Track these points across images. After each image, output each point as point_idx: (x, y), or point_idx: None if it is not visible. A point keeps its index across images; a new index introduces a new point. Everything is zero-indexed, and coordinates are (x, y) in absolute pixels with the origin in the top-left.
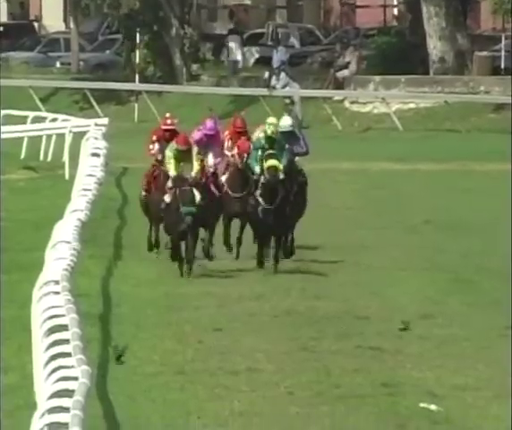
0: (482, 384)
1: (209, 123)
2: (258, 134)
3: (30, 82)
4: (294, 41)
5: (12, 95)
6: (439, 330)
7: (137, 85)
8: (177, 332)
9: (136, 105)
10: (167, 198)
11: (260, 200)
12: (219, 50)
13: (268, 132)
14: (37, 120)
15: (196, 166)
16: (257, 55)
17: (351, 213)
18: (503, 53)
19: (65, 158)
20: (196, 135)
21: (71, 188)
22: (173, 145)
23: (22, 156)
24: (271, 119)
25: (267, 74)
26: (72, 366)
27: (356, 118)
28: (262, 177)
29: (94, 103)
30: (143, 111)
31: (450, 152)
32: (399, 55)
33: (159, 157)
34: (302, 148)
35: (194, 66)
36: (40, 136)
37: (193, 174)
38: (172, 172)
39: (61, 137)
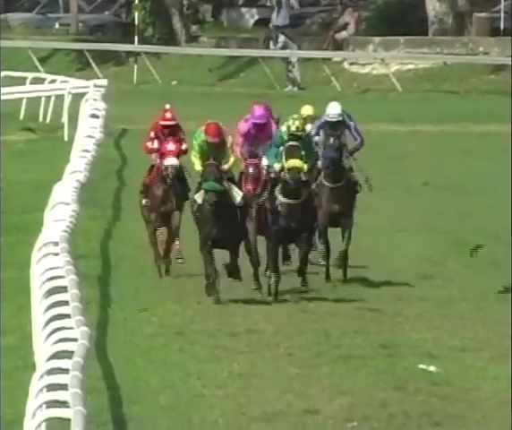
0: (480, 345)
1: (258, 109)
2: (281, 129)
3: (29, 44)
4: (294, 2)
5: (11, 56)
6: (438, 291)
7: (136, 46)
8: (177, 294)
9: (135, 66)
10: (199, 197)
11: (280, 197)
12: (219, 11)
13: (293, 128)
14: (36, 81)
15: (232, 158)
16: (256, 17)
17: None
18: (502, 14)
19: (64, 119)
20: (242, 127)
21: (70, 149)
22: (200, 134)
23: (21, 117)
24: (305, 109)
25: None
26: (72, 328)
27: (355, 79)
28: (283, 179)
29: (93, 64)
30: (142, 72)
31: (449, 114)
32: (398, 17)
33: (157, 157)
34: (356, 139)
35: (193, 27)
36: (39, 97)
37: (226, 166)
38: (197, 165)
39: (60, 98)
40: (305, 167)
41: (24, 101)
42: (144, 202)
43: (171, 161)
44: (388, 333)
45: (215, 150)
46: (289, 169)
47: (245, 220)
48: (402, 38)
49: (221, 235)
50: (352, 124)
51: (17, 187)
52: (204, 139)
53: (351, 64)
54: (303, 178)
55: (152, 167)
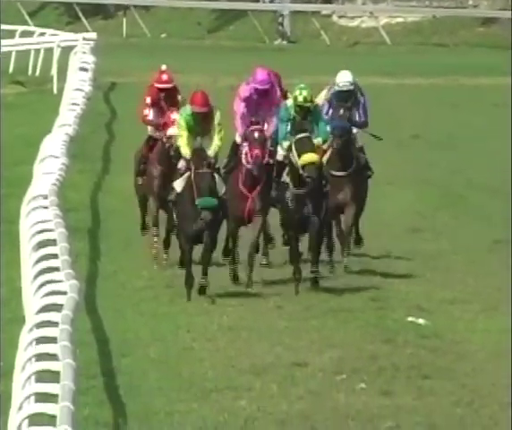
0: (470, 298)
1: (260, 73)
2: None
3: None
4: None
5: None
6: (428, 244)
7: None
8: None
9: (124, 19)
10: (178, 186)
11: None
12: None
13: (300, 99)
14: (25, 35)
15: (217, 141)
16: None
17: None
18: None
19: (54, 72)
20: (244, 91)
21: (59, 103)
22: (186, 108)
23: (11, 70)
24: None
25: None
26: (61, 281)
27: (344, 33)
28: (291, 166)
29: (82, 18)
30: (131, 26)
31: (439, 67)
32: None
33: (154, 130)
34: (361, 117)
35: None
36: (28, 51)
37: (211, 152)
38: (185, 150)
39: (49, 52)
40: (319, 159)
41: (13, 54)
42: (140, 181)
43: (174, 130)
44: (377, 287)
45: (202, 122)
46: (304, 166)
47: (225, 212)
48: None
49: (201, 231)
50: (362, 99)
51: (7, 140)
52: (190, 112)
53: (340, 17)
54: (318, 173)
55: (149, 138)
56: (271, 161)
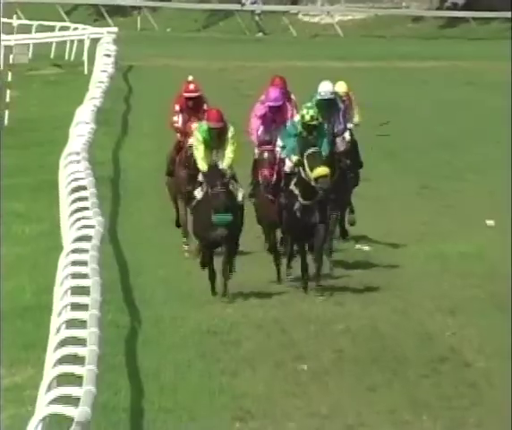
0: (402, 230)
1: (273, 92)
2: (294, 118)
3: (57, 0)
4: None
5: (43, 10)
6: (372, 190)
7: (139, 2)
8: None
9: (138, 17)
10: (198, 194)
11: (299, 195)
12: None
13: (307, 117)
14: (62, 29)
15: (229, 154)
16: None
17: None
18: None
19: (84, 57)
20: (259, 110)
21: (88, 81)
22: (202, 124)
23: (52, 56)
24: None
25: None
26: (90, 217)
27: (307, 27)
28: (302, 174)
29: (106, 16)
30: (144, 22)
31: (380, 53)
32: None
33: (181, 136)
34: (341, 124)
35: None
36: (65, 41)
37: (225, 164)
38: (201, 164)
39: (81, 42)
40: (329, 171)
41: (54, 44)
42: (170, 180)
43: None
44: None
45: (217, 137)
46: (316, 179)
47: (243, 217)
48: None
49: (221, 237)
50: (342, 107)
51: (49, 109)
52: (206, 127)
53: (304, 15)
54: (329, 184)
55: (178, 143)
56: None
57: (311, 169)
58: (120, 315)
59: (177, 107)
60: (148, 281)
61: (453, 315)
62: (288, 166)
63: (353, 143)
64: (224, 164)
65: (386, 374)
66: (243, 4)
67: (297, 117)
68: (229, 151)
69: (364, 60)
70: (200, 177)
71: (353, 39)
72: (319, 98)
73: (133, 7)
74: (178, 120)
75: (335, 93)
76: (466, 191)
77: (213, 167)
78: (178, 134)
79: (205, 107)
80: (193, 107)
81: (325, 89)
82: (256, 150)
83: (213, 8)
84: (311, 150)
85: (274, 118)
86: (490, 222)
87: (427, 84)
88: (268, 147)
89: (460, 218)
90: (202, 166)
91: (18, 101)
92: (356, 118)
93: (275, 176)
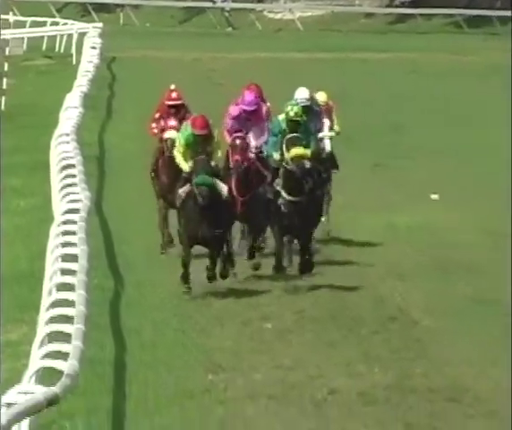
0: (358, 204)
1: (248, 95)
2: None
3: None
4: None
5: (36, 7)
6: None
7: (121, 0)
8: None
9: (121, 14)
10: (182, 192)
11: (282, 192)
12: None
13: (291, 114)
14: (53, 24)
15: (219, 155)
16: None
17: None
18: None
19: (73, 50)
20: (233, 111)
21: (77, 70)
22: (186, 128)
23: (44, 48)
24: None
25: None
26: (78, 193)
27: (271, 23)
28: (284, 167)
29: (92, 13)
30: (126, 18)
31: (336, 46)
32: None
33: (159, 141)
34: (316, 126)
35: None
36: (56, 35)
37: (213, 163)
38: (183, 165)
39: (70, 36)
40: (308, 152)
41: (45, 38)
42: (153, 183)
43: (170, 134)
44: None
45: (202, 143)
46: (292, 158)
47: (230, 215)
48: None
49: (206, 234)
50: (318, 110)
51: (41, 96)
52: (191, 132)
53: (269, 12)
54: (307, 165)
55: (159, 148)
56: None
57: (288, 150)
58: (105, 280)
59: (157, 115)
60: (130, 250)
61: (402, 280)
62: (274, 161)
63: (331, 153)
64: (212, 161)
65: (342, 331)
66: (214, 2)
67: (281, 116)
68: (218, 152)
69: (322, 52)
70: (184, 174)
71: (312, 33)
72: (294, 104)
73: (117, 5)
74: (157, 126)
75: (311, 99)
76: (413, 168)
77: (198, 159)
78: (158, 139)
79: (187, 115)
80: (175, 115)
81: (301, 95)
82: (228, 139)
83: (188, 5)
84: (290, 135)
85: (248, 119)
86: (434, 196)
87: (378, 73)
88: (240, 133)
89: (408, 192)
90: (184, 166)
91: (14, 89)
92: (336, 127)
93: (246, 162)
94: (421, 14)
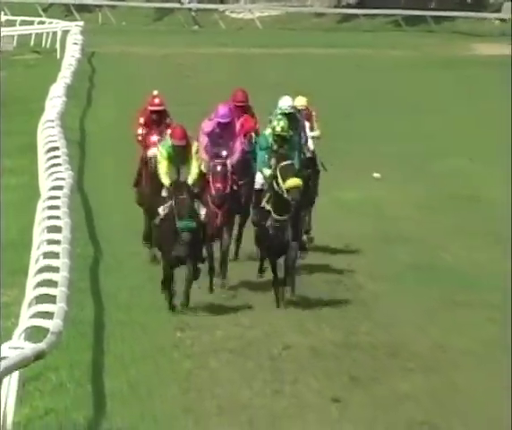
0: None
1: (222, 109)
2: (265, 131)
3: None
4: None
5: (23, 7)
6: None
7: (100, 1)
8: (131, 151)
9: (100, 14)
10: (162, 210)
11: (272, 212)
12: None
13: (278, 129)
14: (40, 23)
15: (194, 169)
16: None
17: (231, 78)
18: None
19: (58, 45)
20: (207, 126)
21: (61, 64)
22: (167, 141)
23: (32, 44)
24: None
25: None
26: (62, 172)
27: (233, 22)
28: (275, 191)
29: (75, 13)
30: (104, 17)
31: (291, 43)
32: None
33: (143, 148)
34: (302, 138)
35: None
36: (42, 32)
37: (190, 180)
38: (164, 179)
39: (55, 33)
40: (301, 183)
41: (33, 35)
42: (136, 191)
43: (153, 152)
44: None
45: (181, 154)
46: (288, 190)
47: (205, 236)
48: None
49: (183, 253)
50: (302, 121)
51: (28, 86)
52: (171, 144)
53: (231, 12)
54: (300, 194)
55: (143, 157)
56: (235, 188)
57: (284, 180)
58: (86, 249)
59: (142, 120)
60: (109, 223)
61: (347, 248)
62: (259, 182)
63: (313, 154)
64: (189, 179)
65: (295, 293)
66: (182, 3)
67: (268, 130)
68: (194, 167)
69: (279, 48)
70: (164, 193)
71: (270, 31)
72: (279, 112)
73: (96, 5)
74: (142, 133)
75: (294, 107)
76: (358, 151)
77: (177, 181)
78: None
79: (168, 120)
80: (156, 120)
81: (285, 103)
82: (203, 165)
83: (158, 6)
84: (284, 163)
85: (221, 134)
86: (376, 175)
87: (327, 67)
88: (221, 160)
89: (354, 171)
90: (165, 180)
91: (5, 80)
92: (317, 132)
93: (228, 189)
94: (364, 15)
